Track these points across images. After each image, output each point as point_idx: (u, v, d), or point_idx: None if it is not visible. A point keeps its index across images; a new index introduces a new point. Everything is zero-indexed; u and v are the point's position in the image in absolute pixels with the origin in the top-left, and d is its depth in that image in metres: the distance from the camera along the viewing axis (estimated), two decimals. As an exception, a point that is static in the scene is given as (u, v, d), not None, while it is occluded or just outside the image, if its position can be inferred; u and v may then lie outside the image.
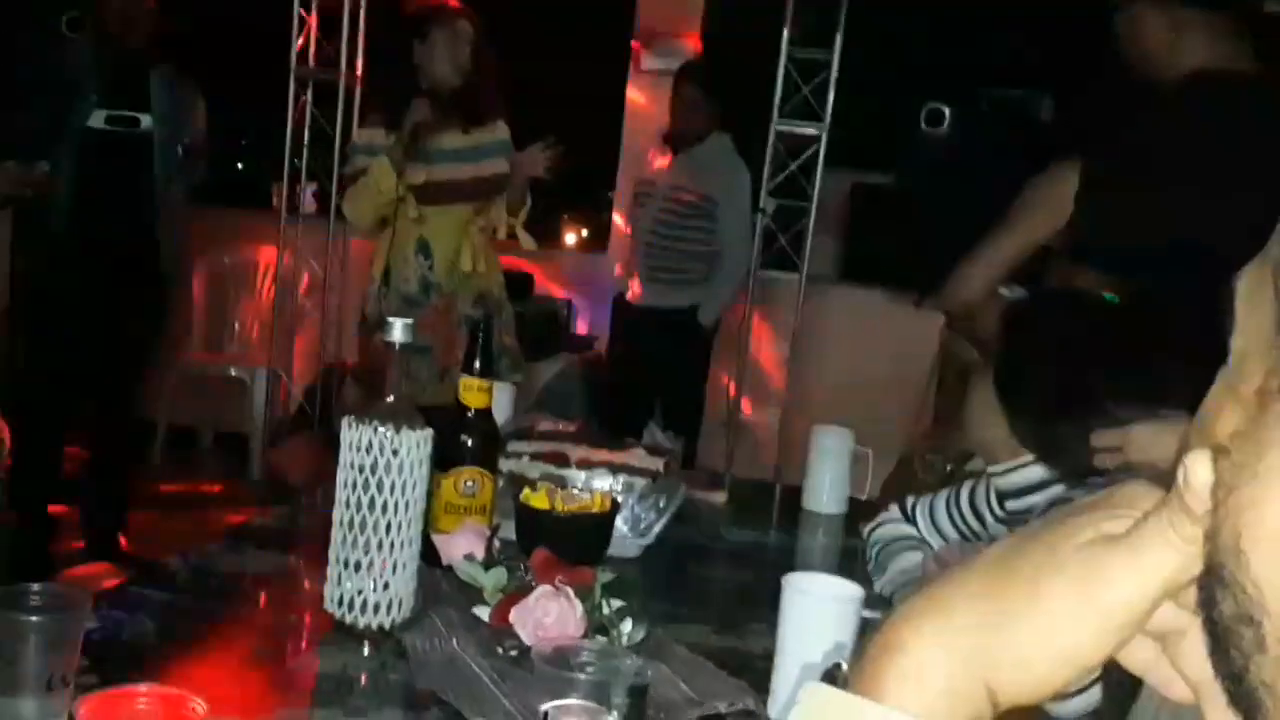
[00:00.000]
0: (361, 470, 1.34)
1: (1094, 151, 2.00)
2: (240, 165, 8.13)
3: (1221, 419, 0.45)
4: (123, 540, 3.89)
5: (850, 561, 1.94)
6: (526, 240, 3.32)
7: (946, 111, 3.83)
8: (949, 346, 2.57)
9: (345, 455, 1.35)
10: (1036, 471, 1.56)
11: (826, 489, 2.19)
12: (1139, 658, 0.50)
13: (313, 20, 4.46)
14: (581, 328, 5.25)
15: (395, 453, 1.35)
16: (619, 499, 1.77)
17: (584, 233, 5.93)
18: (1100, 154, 1.99)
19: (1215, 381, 0.47)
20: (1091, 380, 1.45)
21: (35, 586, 1.05)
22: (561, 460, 1.94)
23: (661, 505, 1.94)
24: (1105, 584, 0.47)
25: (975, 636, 0.50)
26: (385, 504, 1.34)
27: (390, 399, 1.37)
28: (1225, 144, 1.81)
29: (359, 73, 4.57)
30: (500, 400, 2.14)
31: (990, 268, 2.21)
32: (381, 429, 1.34)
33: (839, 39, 4.03)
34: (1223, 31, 1.91)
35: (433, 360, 3.19)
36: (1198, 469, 0.45)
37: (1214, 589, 0.44)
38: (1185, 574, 0.46)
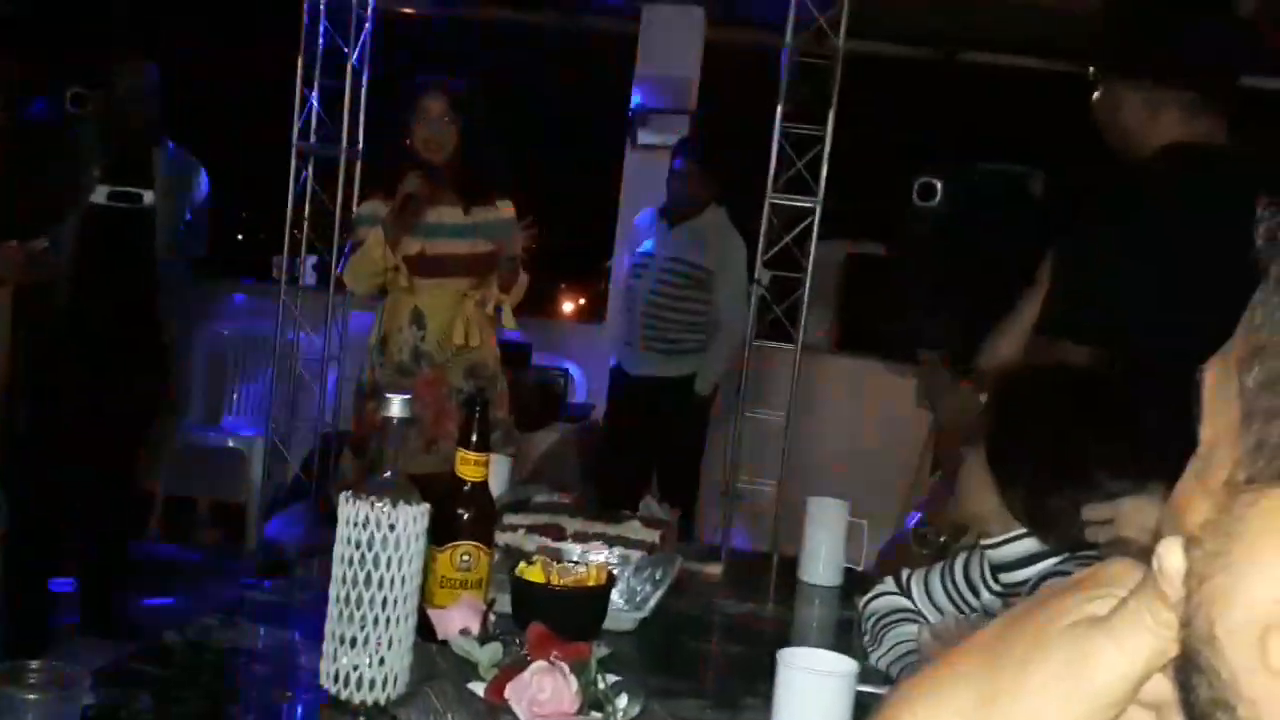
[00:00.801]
0: (358, 545, 1.35)
1: (1071, 225, 2.04)
2: (240, 237, 8.21)
3: (1191, 509, 0.46)
4: (120, 614, 3.87)
5: (846, 633, 1.94)
6: (508, 319, 3.35)
7: (938, 185, 3.88)
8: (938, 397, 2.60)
9: (342, 530, 1.36)
10: (1029, 544, 1.57)
11: (822, 560, 2.19)
12: None
13: (314, 96, 4.53)
14: (579, 397, 5.27)
15: (392, 528, 1.36)
16: (615, 572, 1.78)
17: (581, 302, 5.97)
18: (1076, 228, 2.04)
19: (1185, 471, 0.49)
20: (1081, 453, 1.47)
21: (34, 664, 1.05)
22: (557, 533, 1.94)
23: (657, 578, 1.94)
24: (1089, 667, 0.48)
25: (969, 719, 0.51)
26: (382, 579, 1.35)
27: (387, 474, 1.39)
28: (1197, 215, 1.85)
29: (359, 147, 4.63)
30: (496, 473, 2.15)
31: (1011, 342, 2.28)
32: (378, 504, 1.36)
33: (831, 115, 4.09)
34: (1198, 109, 1.95)
35: (421, 430, 3.20)
36: (1170, 557, 0.46)
37: (1190, 674, 0.45)
38: (1164, 656, 0.47)
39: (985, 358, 2.40)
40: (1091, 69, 2.05)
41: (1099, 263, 1.93)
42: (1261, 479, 0.42)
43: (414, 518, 1.37)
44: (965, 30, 4.98)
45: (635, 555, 1.88)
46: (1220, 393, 0.46)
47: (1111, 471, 1.42)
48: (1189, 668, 0.45)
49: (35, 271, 3.46)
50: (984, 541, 1.63)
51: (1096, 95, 2.04)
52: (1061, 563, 1.54)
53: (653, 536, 2.00)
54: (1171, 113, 1.95)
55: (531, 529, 1.95)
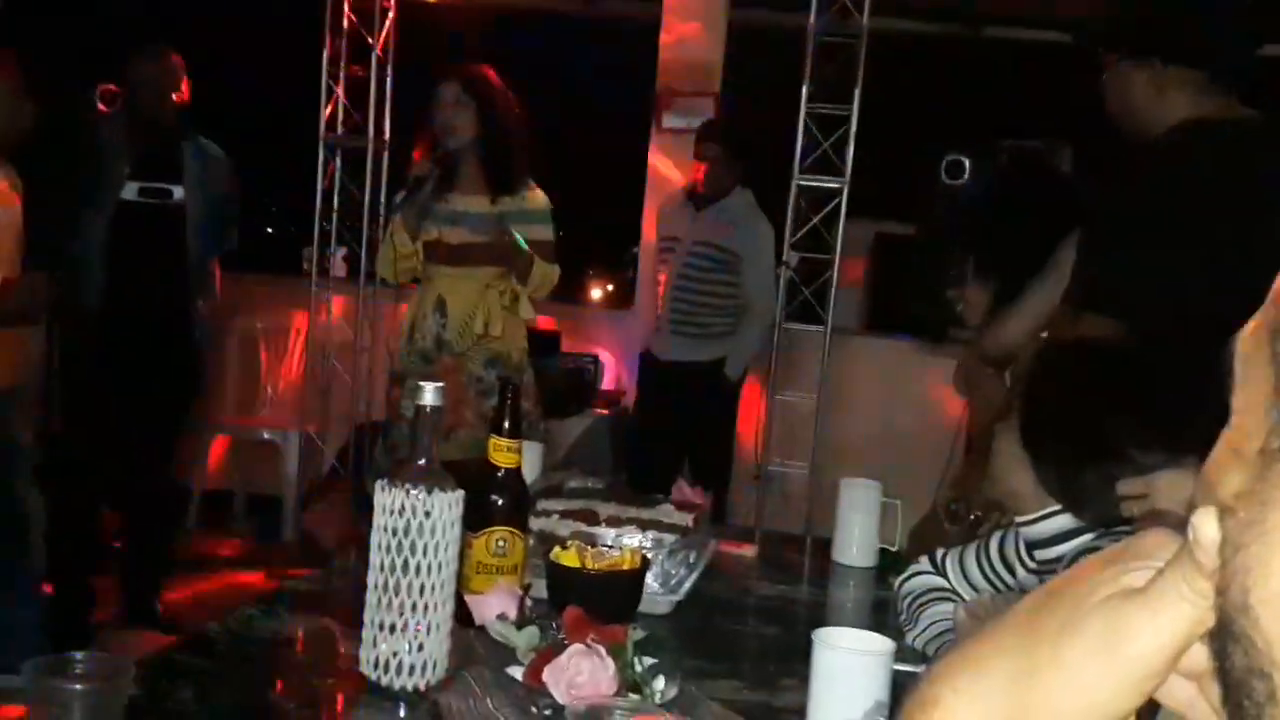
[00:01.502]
0: (394, 533, 1.36)
1: (1092, 203, 2.04)
2: (270, 230, 8.27)
3: (1226, 478, 0.46)
4: (162, 606, 3.92)
5: (881, 614, 1.94)
6: (525, 309, 3.34)
7: (966, 163, 3.85)
8: (972, 385, 2.59)
9: (378, 518, 1.37)
10: (1064, 521, 1.56)
11: (856, 541, 2.19)
12: (1177, 697, 0.51)
13: (340, 89, 4.55)
14: (609, 383, 5.28)
15: (428, 514, 1.37)
16: (649, 556, 1.79)
17: (610, 289, 5.97)
18: (1097, 205, 2.04)
19: (1219, 440, 0.49)
20: (1114, 429, 1.46)
21: (79, 655, 1.07)
22: (591, 518, 1.95)
23: (691, 561, 1.95)
24: (1126, 640, 0.49)
25: (1008, 693, 0.51)
26: (419, 566, 1.36)
27: (421, 461, 1.40)
28: (1212, 188, 1.84)
29: (386, 138, 4.65)
30: (529, 459, 2.16)
31: (1028, 318, 2.29)
32: (414, 491, 1.37)
33: (857, 94, 4.08)
34: (1207, 87, 1.95)
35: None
36: (1204, 527, 0.46)
37: (1225, 642, 0.45)
38: (1201, 626, 0.47)
39: (991, 339, 2.40)
40: (1101, 49, 2.05)
41: (1121, 237, 1.93)
42: None
43: (449, 504, 1.38)
44: (990, 5, 4.94)
45: (669, 539, 1.88)
46: (1252, 361, 0.46)
47: (1144, 446, 1.41)
48: (1224, 636, 0.45)
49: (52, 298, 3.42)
50: (1019, 519, 1.62)
51: (1106, 75, 2.04)
52: (1097, 538, 1.54)
53: (686, 520, 2.00)
54: (1180, 91, 1.96)
55: (565, 514, 1.96)
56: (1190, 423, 1.32)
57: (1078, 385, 1.54)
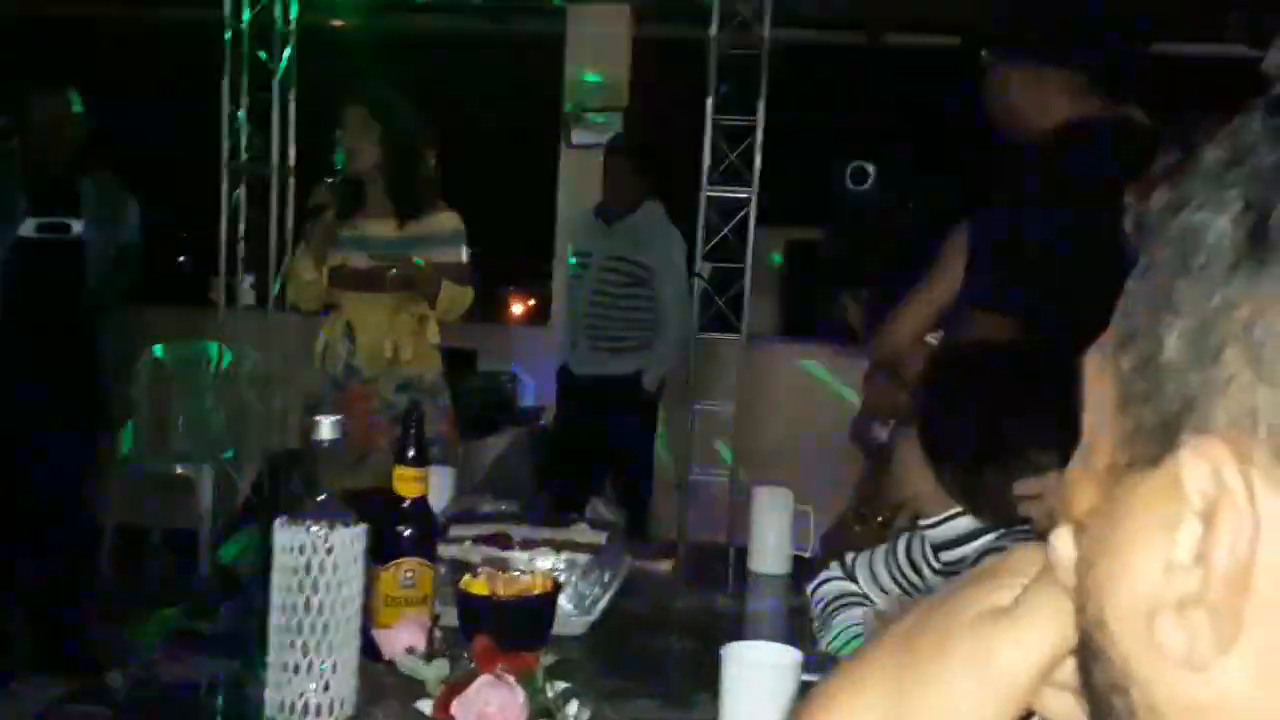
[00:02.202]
0: (295, 572, 1.34)
1: (981, 202, 2.09)
2: (181, 259, 8.11)
3: (1078, 496, 0.47)
4: (73, 648, 3.82)
5: (798, 621, 1.95)
6: (432, 332, 3.32)
7: (870, 169, 3.92)
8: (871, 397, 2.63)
9: (278, 558, 1.35)
10: (966, 522, 1.59)
11: (770, 549, 2.21)
12: (1056, 710, 0.52)
13: (242, 115, 4.49)
14: (528, 400, 5.26)
15: (330, 551, 1.35)
16: (561, 578, 1.78)
17: (526, 305, 5.96)
18: (984, 206, 2.08)
19: (1072, 459, 0.50)
20: (1009, 429, 1.49)
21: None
22: (504, 542, 1.94)
23: (606, 580, 1.95)
24: (995, 657, 0.49)
25: (884, 713, 0.52)
26: (322, 604, 1.34)
27: (321, 497, 1.38)
28: (1093, 187, 1.89)
29: (291, 164, 4.60)
30: (440, 484, 2.15)
31: (914, 319, 2.32)
32: (314, 528, 1.35)
33: (761, 105, 4.12)
34: (1085, 88, 2.00)
35: (350, 445, 3.17)
36: (1061, 546, 0.47)
37: (1087, 659, 0.46)
38: (1068, 642, 0.48)
39: (881, 340, 2.42)
40: (981, 53, 2.09)
41: (1006, 238, 1.97)
42: (1139, 463, 0.43)
43: (350, 539, 1.37)
44: (889, 13, 5.02)
45: (582, 559, 1.88)
46: (1098, 379, 0.47)
47: (1040, 445, 1.44)
48: (1085, 653, 0.46)
49: None
50: (922, 522, 1.65)
51: (987, 79, 2.08)
52: (999, 538, 1.56)
53: (599, 539, 2.00)
54: (1058, 94, 2.00)
55: (478, 539, 1.95)
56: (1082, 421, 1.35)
57: (972, 387, 1.57)
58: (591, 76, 5.03)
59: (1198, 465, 0.40)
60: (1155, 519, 0.42)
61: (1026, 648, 0.49)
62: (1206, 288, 0.40)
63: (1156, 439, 0.42)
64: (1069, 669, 0.50)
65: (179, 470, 4.96)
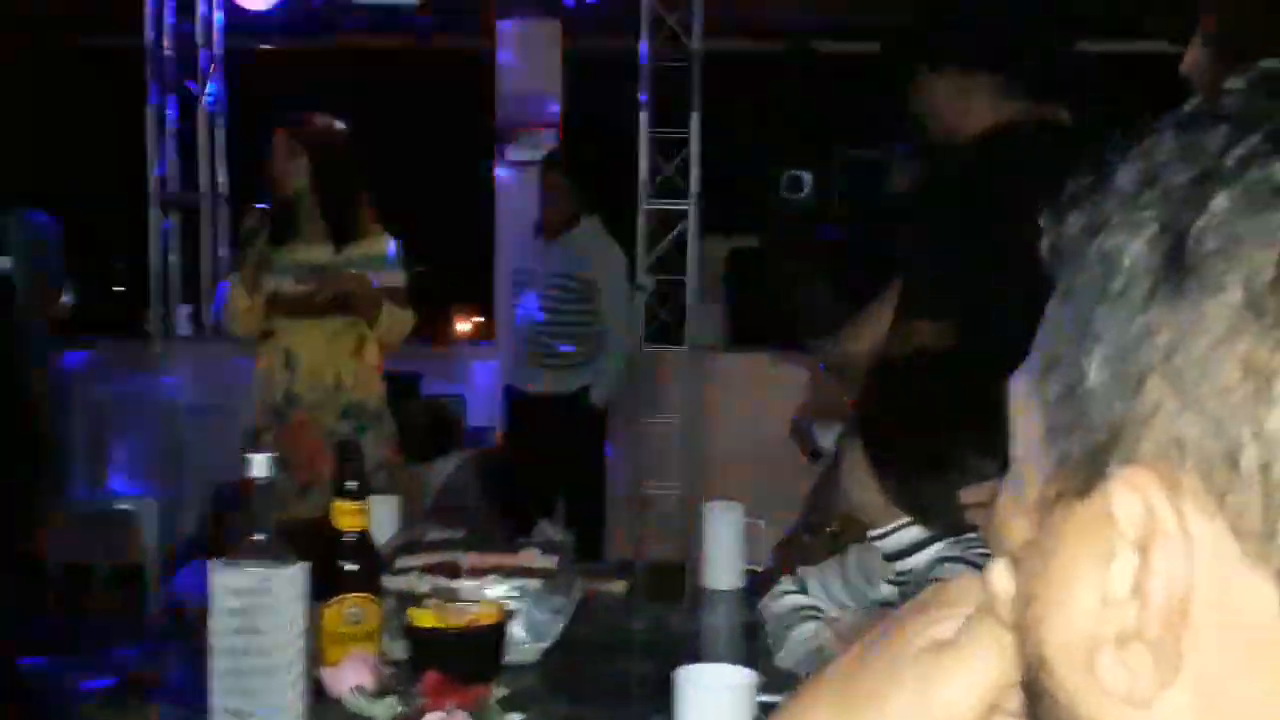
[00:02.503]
0: (235, 614, 1.31)
1: (914, 210, 2.10)
2: (119, 289, 7.98)
3: (1012, 527, 0.46)
4: (15, 691, 3.72)
5: (754, 638, 1.94)
6: (371, 354, 3.28)
7: (805, 176, 3.93)
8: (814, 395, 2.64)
9: (216, 601, 1.32)
10: (915, 532, 1.58)
11: (722, 565, 2.19)
12: None
13: (168, 144, 4.42)
14: (475, 421, 5.22)
15: (269, 591, 1.32)
16: (513, 605, 1.75)
17: (470, 325, 5.92)
18: (914, 213, 2.09)
19: (1002, 489, 0.48)
20: (950, 437, 1.49)
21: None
22: (453, 570, 1.90)
23: (558, 605, 1.92)
24: (937, 693, 0.48)
25: None
26: (264, 646, 1.31)
27: (259, 536, 1.35)
28: (1017, 190, 1.90)
29: (222, 192, 4.53)
30: (382, 515, 2.11)
31: (876, 325, 2.31)
32: (252, 569, 1.32)
33: (695, 116, 4.12)
34: (1007, 91, 2.01)
35: (293, 476, 3.13)
36: (997, 581, 0.46)
37: (1031, 696, 0.45)
38: (1010, 675, 0.47)
39: (838, 349, 2.41)
40: (904, 60, 2.10)
41: (937, 244, 1.97)
42: (1068, 494, 0.42)
43: (290, 578, 1.33)
44: (818, 20, 5.05)
45: (533, 584, 1.85)
46: (1024, 406, 0.46)
47: (982, 452, 1.44)
48: (1029, 690, 0.45)
49: None
50: (871, 533, 1.64)
51: (911, 85, 2.08)
52: (949, 546, 1.56)
53: (550, 562, 1.97)
54: (981, 97, 2.00)
55: (426, 569, 1.91)
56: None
57: (912, 395, 1.57)
58: (523, 92, 5.01)
59: (1128, 496, 0.39)
60: (1088, 552, 0.41)
61: (969, 682, 0.48)
62: (1126, 314, 0.40)
63: (1084, 470, 0.41)
64: (1017, 698, 0.49)
65: (119, 505, 4.87)
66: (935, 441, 1.49)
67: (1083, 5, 4.20)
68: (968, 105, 2.01)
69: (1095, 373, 0.40)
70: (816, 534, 2.13)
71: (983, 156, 1.98)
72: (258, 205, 3.21)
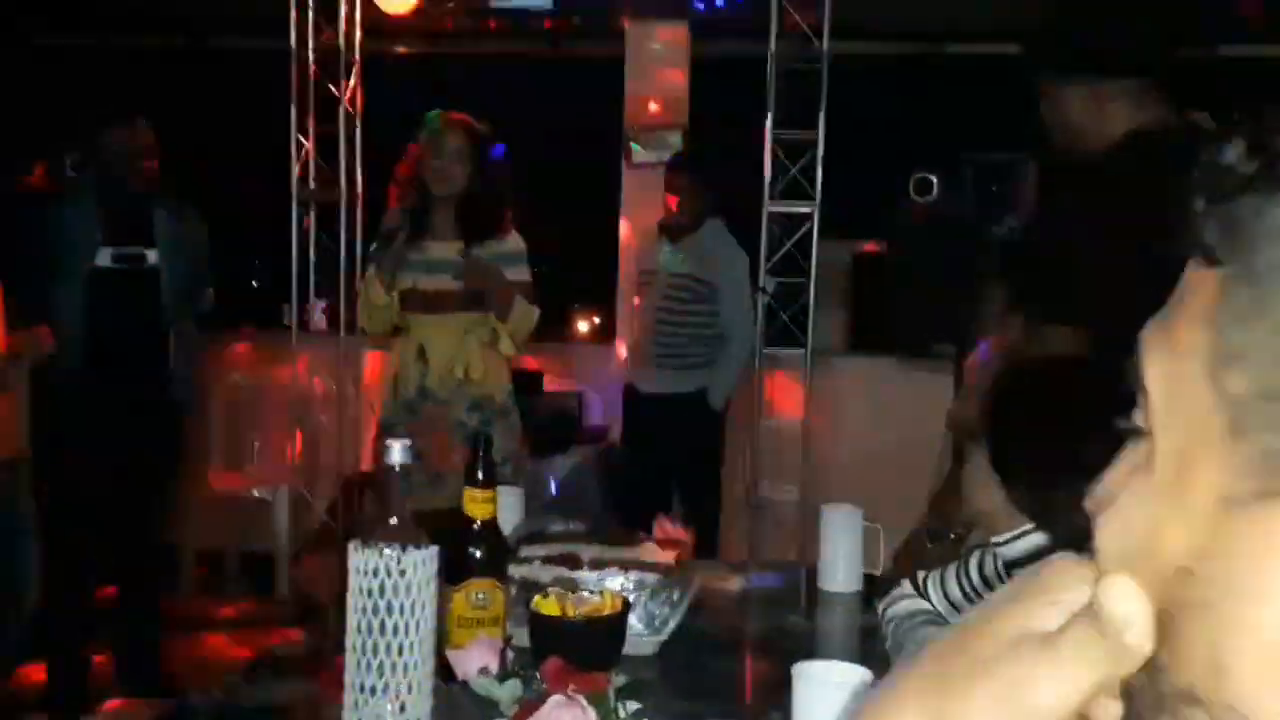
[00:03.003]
0: (370, 594, 1.36)
1: (1044, 218, 2.07)
2: (255, 284, 8.27)
3: (1169, 534, 0.44)
4: (158, 671, 3.89)
5: (870, 640, 1.94)
6: (506, 346, 3.35)
7: (934, 180, 3.89)
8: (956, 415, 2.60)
9: (353, 580, 1.37)
10: (1038, 539, 1.57)
11: (840, 568, 2.20)
12: None
13: (310, 144, 4.57)
14: (595, 419, 5.28)
15: (403, 573, 1.37)
16: (631, 598, 1.79)
17: (591, 324, 5.99)
18: (1048, 221, 2.06)
19: (1137, 489, 0.46)
20: (1078, 444, 1.47)
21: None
22: (573, 562, 1.95)
23: (675, 599, 1.95)
24: (1032, 691, 0.47)
25: None
26: (396, 626, 1.36)
27: (394, 520, 1.40)
28: (1156, 198, 1.85)
29: (359, 190, 4.67)
30: (509, 505, 2.17)
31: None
32: (387, 551, 1.37)
33: (822, 118, 4.11)
34: (1143, 95, 1.97)
35: (425, 466, 3.22)
36: (1120, 603, 0.44)
37: (1179, 708, 0.43)
38: (1108, 681, 0.46)
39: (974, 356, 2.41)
40: (1036, 72, 2.07)
41: (1073, 251, 1.94)
42: (1271, 493, 0.40)
43: (423, 561, 1.38)
44: (949, 22, 4.98)
45: (651, 579, 1.88)
46: (1180, 397, 0.44)
47: (1108, 460, 1.42)
48: (1180, 701, 0.43)
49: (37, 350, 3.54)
50: (994, 539, 1.63)
51: (1043, 95, 2.05)
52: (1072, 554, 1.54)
53: (668, 558, 2.00)
54: (1118, 104, 1.97)
55: (548, 560, 1.96)
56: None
57: (1041, 401, 1.55)
58: (650, 94, 5.05)
59: None
60: None
61: (1065, 683, 0.46)
62: None
63: None
64: (1109, 711, 0.48)
65: (255, 493, 5.06)
66: (1061, 448, 1.48)
67: (1223, 8, 4.08)
68: (1103, 114, 1.98)
69: None
70: (937, 539, 2.12)
71: (1122, 161, 1.95)
72: (397, 205, 3.30)
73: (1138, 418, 0.49)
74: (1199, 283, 0.45)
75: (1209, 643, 0.41)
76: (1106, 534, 0.49)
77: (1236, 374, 0.41)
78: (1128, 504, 0.48)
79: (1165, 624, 0.44)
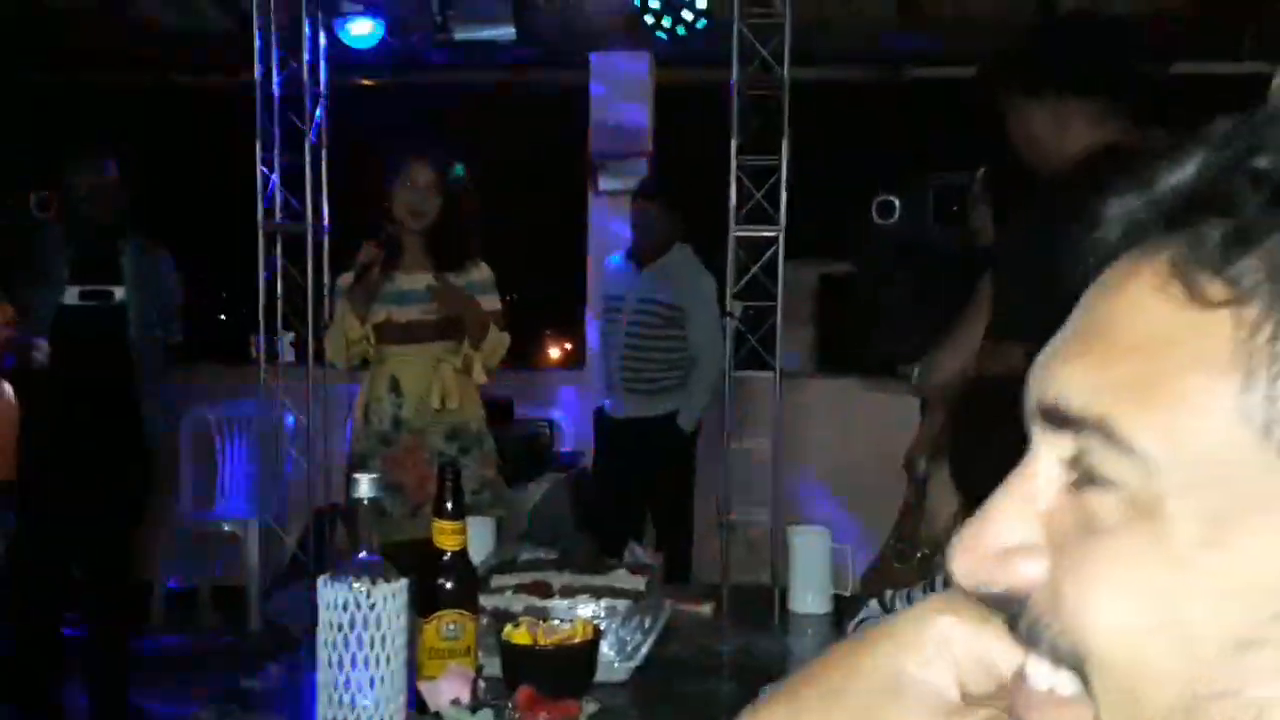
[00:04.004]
0: (340, 628, 1.37)
1: (1004, 235, 2.10)
2: (223, 317, 8.25)
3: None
4: (129, 707, 3.86)
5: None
6: (479, 374, 3.37)
7: (896, 202, 3.94)
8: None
9: (323, 615, 1.38)
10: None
11: (810, 590, 2.22)
12: None
13: (275, 176, 4.58)
14: (567, 445, 5.29)
15: (372, 607, 1.38)
16: (602, 625, 1.80)
17: (561, 350, 6.01)
18: (1009, 237, 2.09)
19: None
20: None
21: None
22: (544, 590, 1.96)
23: (647, 625, 1.96)
24: None
25: None
26: (367, 659, 1.37)
27: (363, 554, 1.41)
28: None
29: (325, 223, 4.67)
30: (480, 535, 2.18)
31: (957, 354, 2.32)
32: (356, 585, 1.38)
33: (785, 144, 4.14)
34: (1104, 114, 2.01)
35: (404, 496, 3.23)
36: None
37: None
38: None
39: (925, 374, 2.44)
40: (998, 88, 2.11)
41: (1034, 268, 1.97)
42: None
43: (393, 594, 1.39)
44: (908, 48, 5.05)
45: (622, 604, 1.90)
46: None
47: None
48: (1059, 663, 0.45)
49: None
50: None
51: (1007, 112, 2.09)
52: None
53: (639, 584, 2.02)
54: (1079, 122, 2.01)
55: (519, 589, 1.97)
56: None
57: (1001, 418, 1.58)
58: (616, 123, 5.09)
59: None
60: None
61: None
62: None
63: None
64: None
65: (226, 527, 5.03)
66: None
67: (1180, 28, 4.16)
68: (1065, 130, 2.02)
69: None
70: (906, 560, 2.14)
71: (1080, 178, 1.99)
72: (370, 238, 3.31)
73: None
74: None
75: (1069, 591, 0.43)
76: None
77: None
78: None
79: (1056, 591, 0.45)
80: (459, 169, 3.41)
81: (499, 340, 3.36)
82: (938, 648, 0.51)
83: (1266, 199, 0.41)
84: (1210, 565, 0.40)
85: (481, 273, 3.40)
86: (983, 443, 1.60)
